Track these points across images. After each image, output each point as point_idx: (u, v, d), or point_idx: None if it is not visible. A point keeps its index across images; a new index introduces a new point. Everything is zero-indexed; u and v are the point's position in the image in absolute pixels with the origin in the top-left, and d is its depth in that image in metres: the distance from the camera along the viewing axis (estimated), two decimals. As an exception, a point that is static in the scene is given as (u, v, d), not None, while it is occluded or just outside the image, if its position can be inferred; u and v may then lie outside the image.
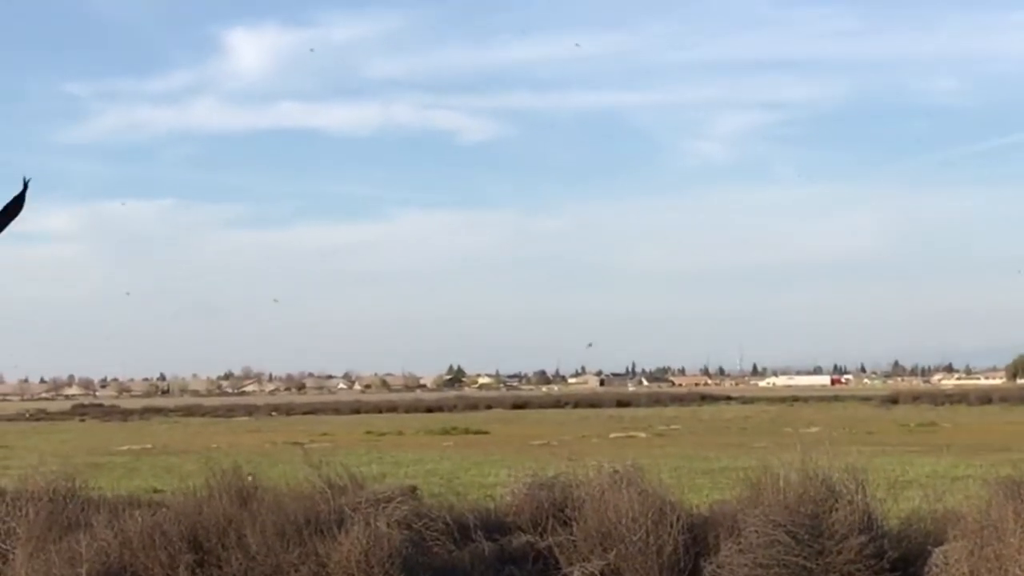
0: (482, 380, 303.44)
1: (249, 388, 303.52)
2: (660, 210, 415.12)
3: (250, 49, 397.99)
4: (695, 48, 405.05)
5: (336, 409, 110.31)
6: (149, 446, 54.79)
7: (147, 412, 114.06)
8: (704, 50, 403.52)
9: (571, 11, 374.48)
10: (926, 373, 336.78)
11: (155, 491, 26.28)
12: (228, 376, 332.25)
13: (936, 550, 14.02)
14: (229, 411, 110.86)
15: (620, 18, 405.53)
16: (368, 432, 61.77)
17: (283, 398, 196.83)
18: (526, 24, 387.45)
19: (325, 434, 62.58)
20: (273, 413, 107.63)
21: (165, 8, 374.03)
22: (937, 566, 13.74)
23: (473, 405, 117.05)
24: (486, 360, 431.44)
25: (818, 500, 14.70)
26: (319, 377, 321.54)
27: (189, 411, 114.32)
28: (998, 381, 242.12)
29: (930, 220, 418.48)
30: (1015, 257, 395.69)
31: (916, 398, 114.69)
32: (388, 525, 14.92)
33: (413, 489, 17.38)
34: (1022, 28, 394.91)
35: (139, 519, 15.67)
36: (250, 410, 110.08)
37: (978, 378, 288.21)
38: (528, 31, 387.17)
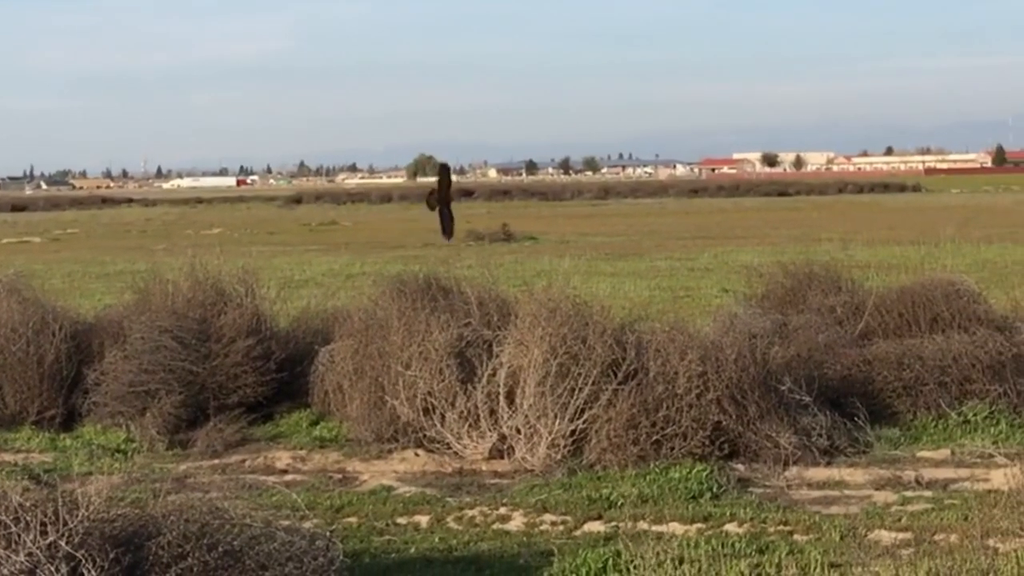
0: None
1: None
2: (63, 10, 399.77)
3: None
4: None
5: None
6: None
7: None
8: None
9: None
10: (331, 173, 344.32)
11: None
12: None
13: (323, 349, 14.26)
14: None
15: None
16: None
17: None
18: None
19: None
20: None
21: None
22: (323, 364, 14.01)
23: None
24: None
25: (207, 304, 14.88)
26: None
27: None
28: (400, 180, 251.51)
29: (340, 26, 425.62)
30: (416, 62, 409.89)
31: (319, 198, 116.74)
32: None
33: None
34: None
35: None
36: None
37: (380, 177, 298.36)
38: None
